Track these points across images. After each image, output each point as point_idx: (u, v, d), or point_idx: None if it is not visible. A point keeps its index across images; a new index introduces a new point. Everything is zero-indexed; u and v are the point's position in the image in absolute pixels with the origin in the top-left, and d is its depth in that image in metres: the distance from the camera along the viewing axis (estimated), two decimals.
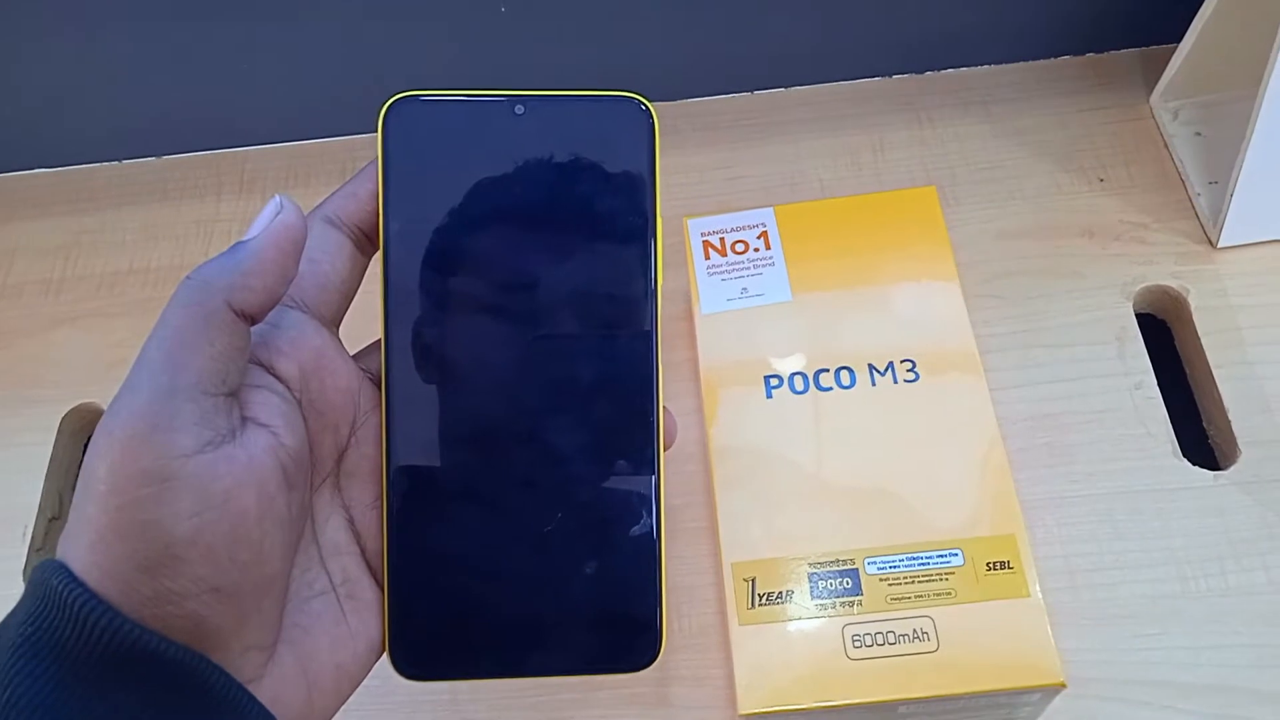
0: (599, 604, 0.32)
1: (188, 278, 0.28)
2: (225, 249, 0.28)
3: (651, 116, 0.33)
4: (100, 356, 0.55)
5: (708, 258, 0.47)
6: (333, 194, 0.32)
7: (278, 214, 0.29)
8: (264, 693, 0.28)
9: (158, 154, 0.62)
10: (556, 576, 0.32)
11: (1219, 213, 0.51)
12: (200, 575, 0.26)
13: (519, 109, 0.32)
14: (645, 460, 0.32)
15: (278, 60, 0.57)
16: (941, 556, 0.39)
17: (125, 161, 0.62)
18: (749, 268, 0.46)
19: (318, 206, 0.32)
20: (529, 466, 0.32)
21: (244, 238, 0.28)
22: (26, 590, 0.26)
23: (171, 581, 0.26)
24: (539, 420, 0.32)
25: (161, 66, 0.57)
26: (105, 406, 0.53)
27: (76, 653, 0.25)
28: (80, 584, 0.25)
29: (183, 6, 0.54)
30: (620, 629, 0.32)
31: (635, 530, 0.32)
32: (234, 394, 0.28)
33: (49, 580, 0.26)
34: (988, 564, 0.39)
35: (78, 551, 0.26)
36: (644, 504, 0.32)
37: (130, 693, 0.25)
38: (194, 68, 0.57)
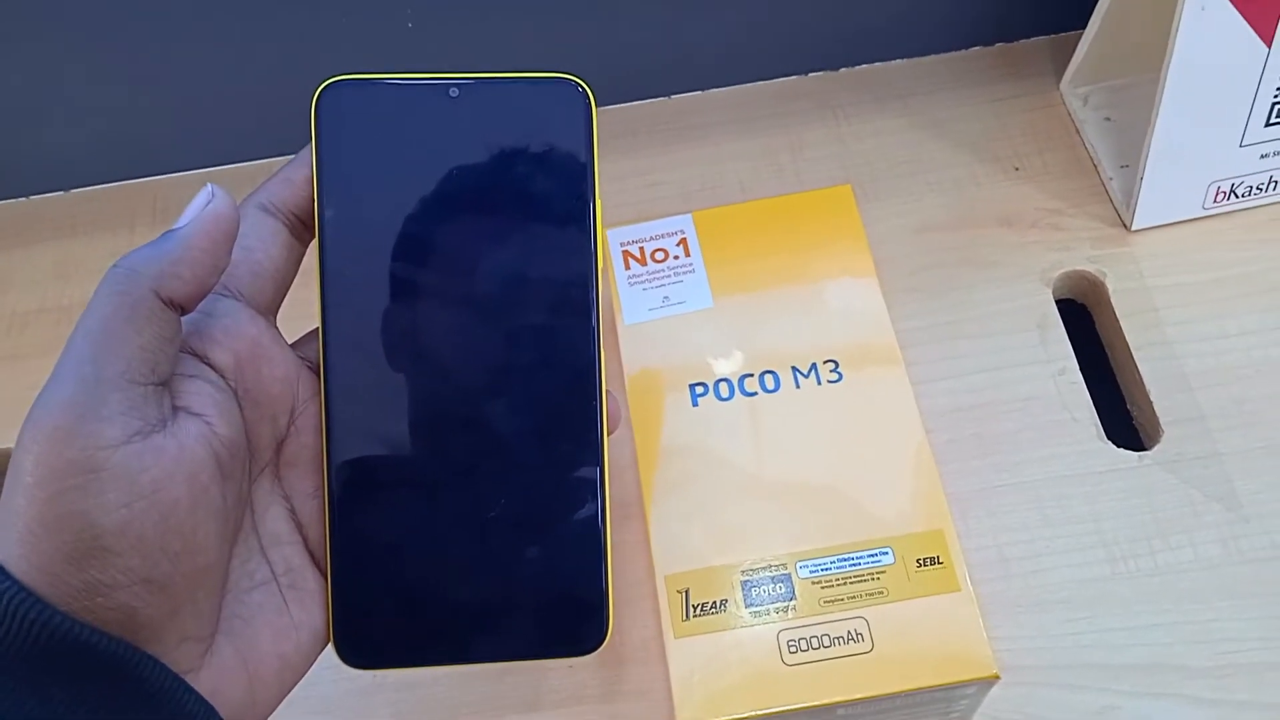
0: (545, 588, 0.32)
1: (114, 266, 0.28)
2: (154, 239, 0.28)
3: (589, 98, 0.33)
4: (15, 399, 0.54)
5: (628, 268, 0.46)
6: (267, 180, 0.32)
7: (209, 203, 0.28)
8: (202, 684, 0.28)
9: (64, 188, 0.60)
10: (501, 562, 0.32)
11: (1131, 196, 0.52)
12: (130, 566, 0.26)
13: (453, 92, 0.32)
14: (589, 444, 0.32)
15: (187, 84, 0.56)
16: (872, 556, 0.39)
17: (32, 198, 0.60)
18: (670, 276, 0.46)
19: (252, 193, 0.32)
20: (471, 452, 0.32)
21: (174, 226, 0.28)
22: None
23: (101, 573, 0.26)
24: (481, 405, 0.32)
25: (63, 95, 0.55)
26: None
27: (6, 647, 0.25)
28: (8, 577, 0.25)
29: (82, 32, 0.52)
30: (567, 613, 0.32)
31: (580, 514, 0.32)
32: (164, 384, 0.28)
33: None
34: (918, 560, 0.39)
35: (5, 545, 0.26)
36: (588, 488, 0.32)
37: (64, 687, 0.25)
38: (97, 95, 0.56)
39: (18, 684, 0.25)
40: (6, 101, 0.55)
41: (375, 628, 0.32)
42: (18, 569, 0.25)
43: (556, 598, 0.32)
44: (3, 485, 0.26)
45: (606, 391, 0.33)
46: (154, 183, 0.60)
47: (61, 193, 0.60)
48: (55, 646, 0.25)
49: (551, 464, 0.32)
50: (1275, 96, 0.48)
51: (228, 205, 0.29)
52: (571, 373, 0.32)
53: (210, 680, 0.28)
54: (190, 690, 0.27)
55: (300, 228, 0.32)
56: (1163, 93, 0.47)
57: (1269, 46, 0.46)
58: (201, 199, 0.29)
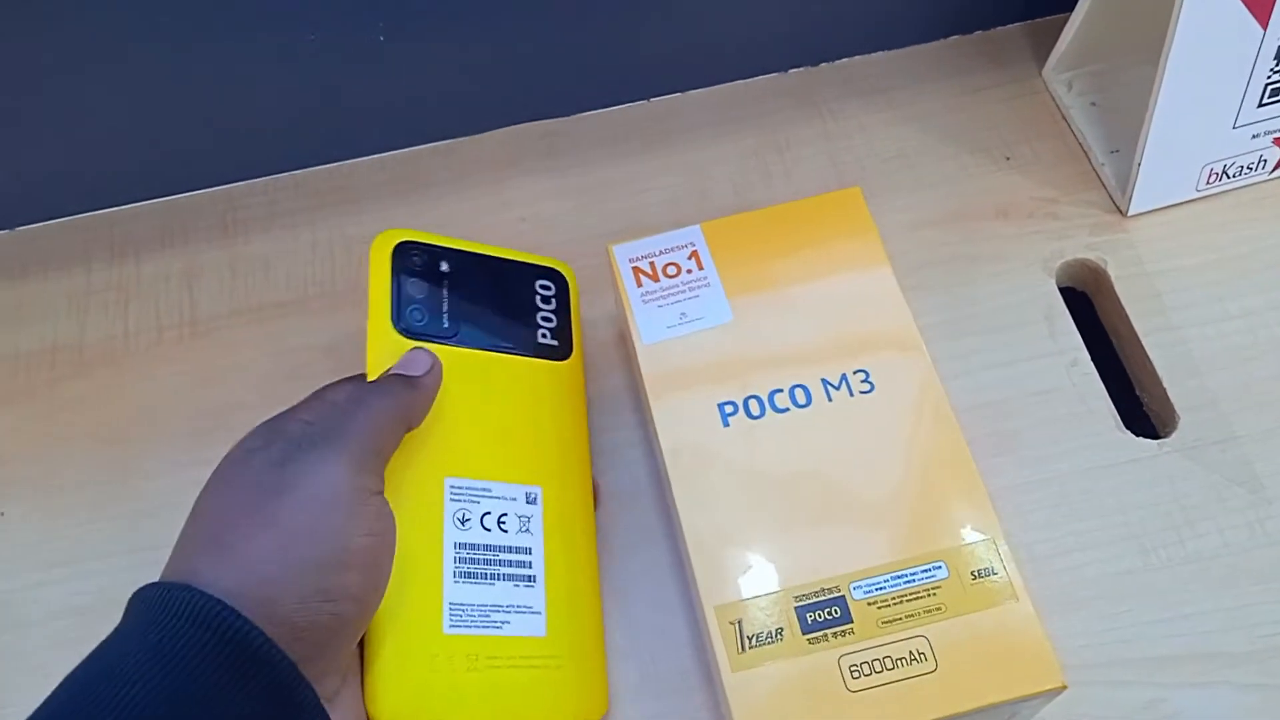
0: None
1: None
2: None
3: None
4: None
5: (640, 284, 0.45)
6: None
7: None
8: (333, 713, 0.34)
9: (10, 226, 0.56)
10: None
11: (1126, 181, 0.51)
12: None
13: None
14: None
15: (137, 109, 0.52)
16: (926, 571, 0.38)
17: None
18: (684, 291, 0.44)
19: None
20: None
21: (414, 374, 0.40)
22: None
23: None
24: None
25: (3, 125, 0.51)
26: None
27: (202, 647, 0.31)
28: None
29: (20, 59, 0.49)
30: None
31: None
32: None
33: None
34: (972, 572, 0.38)
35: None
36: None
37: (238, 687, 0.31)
38: (42, 124, 0.52)
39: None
40: None
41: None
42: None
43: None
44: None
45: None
46: (107, 214, 0.57)
47: (7, 231, 0.56)
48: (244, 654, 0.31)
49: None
50: (1269, 77, 0.48)
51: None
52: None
53: (339, 714, 0.35)
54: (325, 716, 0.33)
55: None
56: (1162, 78, 0.47)
57: (1264, 28, 0.46)
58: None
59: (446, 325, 0.43)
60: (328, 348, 0.50)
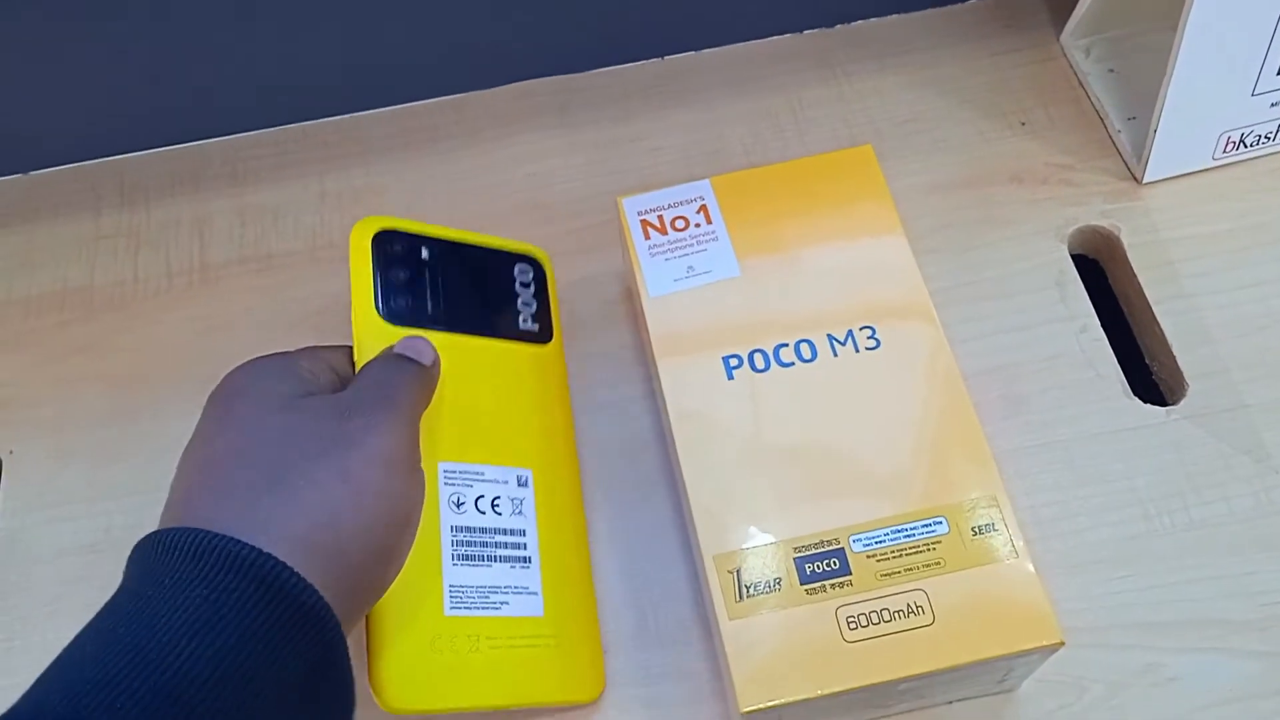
0: None
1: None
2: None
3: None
4: None
5: (648, 237, 0.45)
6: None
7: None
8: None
9: (24, 170, 0.56)
10: None
11: (1142, 148, 0.51)
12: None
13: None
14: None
15: (147, 57, 0.52)
16: (926, 526, 0.38)
17: None
18: (692, 244, 0.44)
19: None
20: None
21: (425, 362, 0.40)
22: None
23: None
24: None
25: (18, 74, 0.52)
26: None
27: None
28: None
29: (37, 5, 0.49)
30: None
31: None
32: None
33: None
34: (973, 528, 0.38)
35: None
36: None
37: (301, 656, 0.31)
38: (56, 69, 0.52)
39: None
40: None
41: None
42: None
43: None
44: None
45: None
46: (118, 161, 0.57)
47: (21, 175, 0.56)
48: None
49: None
50: None
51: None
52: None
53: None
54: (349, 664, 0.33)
55: None
56: (1180, 44, 0.46)
57: None
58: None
59: (430, 311, 0.43)
60: (334, 297, 0.50)
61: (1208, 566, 0.44)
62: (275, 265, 0.53)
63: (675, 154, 0.55)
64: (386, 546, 0.34)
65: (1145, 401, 0.47)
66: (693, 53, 0.58)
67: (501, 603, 0.40)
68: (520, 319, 0.46)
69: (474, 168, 0.55)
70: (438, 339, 0.42)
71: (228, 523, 0.31)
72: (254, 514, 0.32)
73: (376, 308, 0.42)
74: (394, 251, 0.43)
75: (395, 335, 0.41)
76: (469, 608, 0.40)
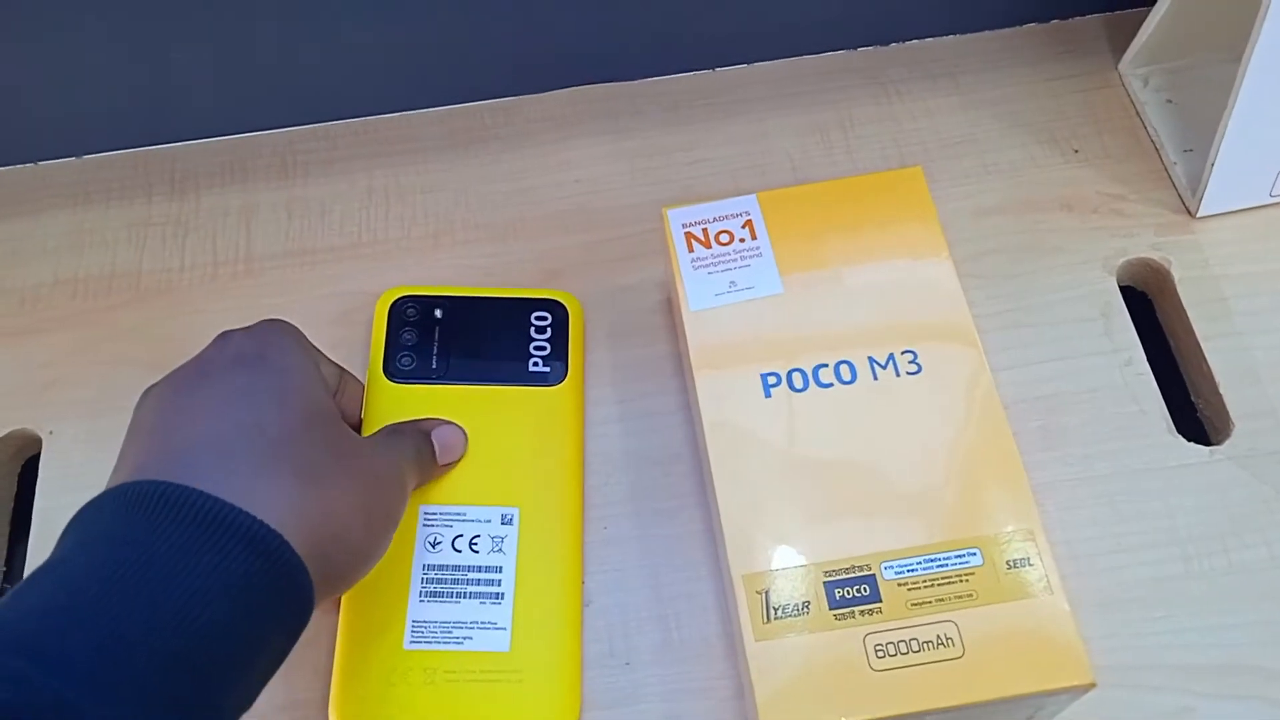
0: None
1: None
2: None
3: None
4: (30, 378, 0.51)
5: (691, 250, 0.44)
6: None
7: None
8: None
9: (77, 154, 0.57)
10: None
11: (1197, 181, 0.50)
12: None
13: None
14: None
15: (206, 49, 0.53)
16: (960, 557, 0.37)
17: (41, 163, 0.57)
18: (736, 259, 0.44)
19: None
20: None
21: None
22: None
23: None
24: None
25: (79, 58, 0.52)
26: (39, 432, 0.49)
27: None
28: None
29: None
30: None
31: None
32: None
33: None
34: (1007, 561, 0.37)
35: None
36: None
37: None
38: (114, 58, 0.53)
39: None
40: (21, 62, 0.52)
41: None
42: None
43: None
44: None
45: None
46: (170, 149, 0.57)
47: (74, 158, 0.57)
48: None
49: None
50: None
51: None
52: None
53: None
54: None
55: None
56: (1243, 77, 0.45)
57: None
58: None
59: (435, 366, 0.47)
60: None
61: (1246, 611, 0.43)
62: (320, 259, 0.54)
63: (722, 166, 0.55)
64: (365, 554, 0.38)
65: (1189, 440, 0.46)
66: (744, 65, 0.58)
67: (465, 637, 0.42)
68: (530, 363, 0.48)
69: (521, 170, 0.55)
70: (435, 391, 0.46)
71: (239, 495, 0.33)
72: (267, 495, 0.33)
73: (383, 369, 0.47)
74: (407, 315, 0.48)
75: (396, 391, 0.46)
76: (429, 642, 0.42)
